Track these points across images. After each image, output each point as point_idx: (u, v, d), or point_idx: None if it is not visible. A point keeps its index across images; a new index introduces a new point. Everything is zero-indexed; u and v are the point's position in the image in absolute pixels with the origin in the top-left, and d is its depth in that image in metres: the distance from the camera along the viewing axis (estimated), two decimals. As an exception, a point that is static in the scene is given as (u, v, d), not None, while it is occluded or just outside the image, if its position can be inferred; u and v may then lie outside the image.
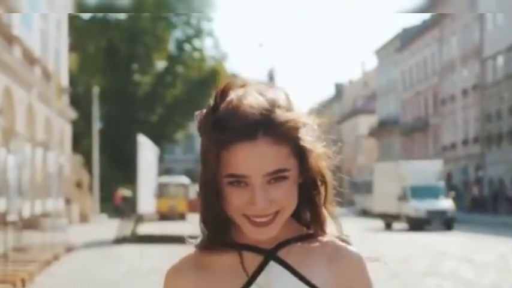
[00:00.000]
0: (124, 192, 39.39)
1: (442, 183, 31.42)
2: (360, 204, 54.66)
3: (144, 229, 21.62)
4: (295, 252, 1.29)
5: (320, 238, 1.32)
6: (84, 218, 32.77)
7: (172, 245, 18.11)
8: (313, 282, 1.27)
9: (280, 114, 1.21)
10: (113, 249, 17.93)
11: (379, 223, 32.80)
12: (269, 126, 1.19)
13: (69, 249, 16.27)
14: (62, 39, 35.26)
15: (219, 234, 1.27)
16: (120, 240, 19.07)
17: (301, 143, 1.23)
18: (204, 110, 1.25)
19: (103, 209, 39.32)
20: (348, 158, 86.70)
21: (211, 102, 1.24)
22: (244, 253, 1.27)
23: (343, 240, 1.33)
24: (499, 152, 45.34)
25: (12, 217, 10.29)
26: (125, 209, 22.29)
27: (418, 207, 29.34)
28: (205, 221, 1.28)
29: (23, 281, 10.84)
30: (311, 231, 1.32)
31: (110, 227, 24.07)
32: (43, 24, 30.73)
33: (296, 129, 1.23)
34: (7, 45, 23.42)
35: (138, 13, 49.14)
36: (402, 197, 30.51)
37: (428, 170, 31.77)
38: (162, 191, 35.59)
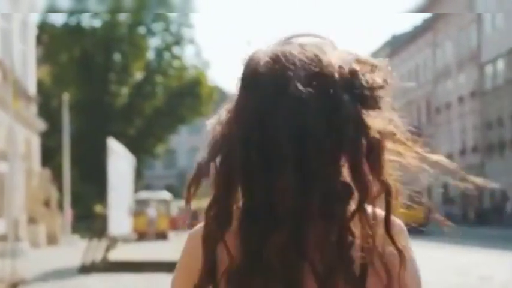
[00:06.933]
0: (97, 208, 35.67)
1: None
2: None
3: (118, 253, 18.14)
4: None
5: None
6: (52, 240, 29.20)
7: (152, 274, 14.85)
8: None
9: None
10: (77, 281, 14.40)
11: None
12: None
13: (15, 284, 12.56)
14: (29, 40, 31.77)
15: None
16: (88, 268, 15.58)
17: None
18: None
19: (75, 230, 35.69)
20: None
21: None
22: None
23: None
24: (501, 162, 42.44)
25: None
26: (95, 228, 18.75)
27: None
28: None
29: None
30: None
31: (80, 250, 20.53)
32: (5, 23, 27.30)
33: None
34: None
35: (115, 17, 46.35)
36: None
37: None
38: (140, 208, 32.77)
